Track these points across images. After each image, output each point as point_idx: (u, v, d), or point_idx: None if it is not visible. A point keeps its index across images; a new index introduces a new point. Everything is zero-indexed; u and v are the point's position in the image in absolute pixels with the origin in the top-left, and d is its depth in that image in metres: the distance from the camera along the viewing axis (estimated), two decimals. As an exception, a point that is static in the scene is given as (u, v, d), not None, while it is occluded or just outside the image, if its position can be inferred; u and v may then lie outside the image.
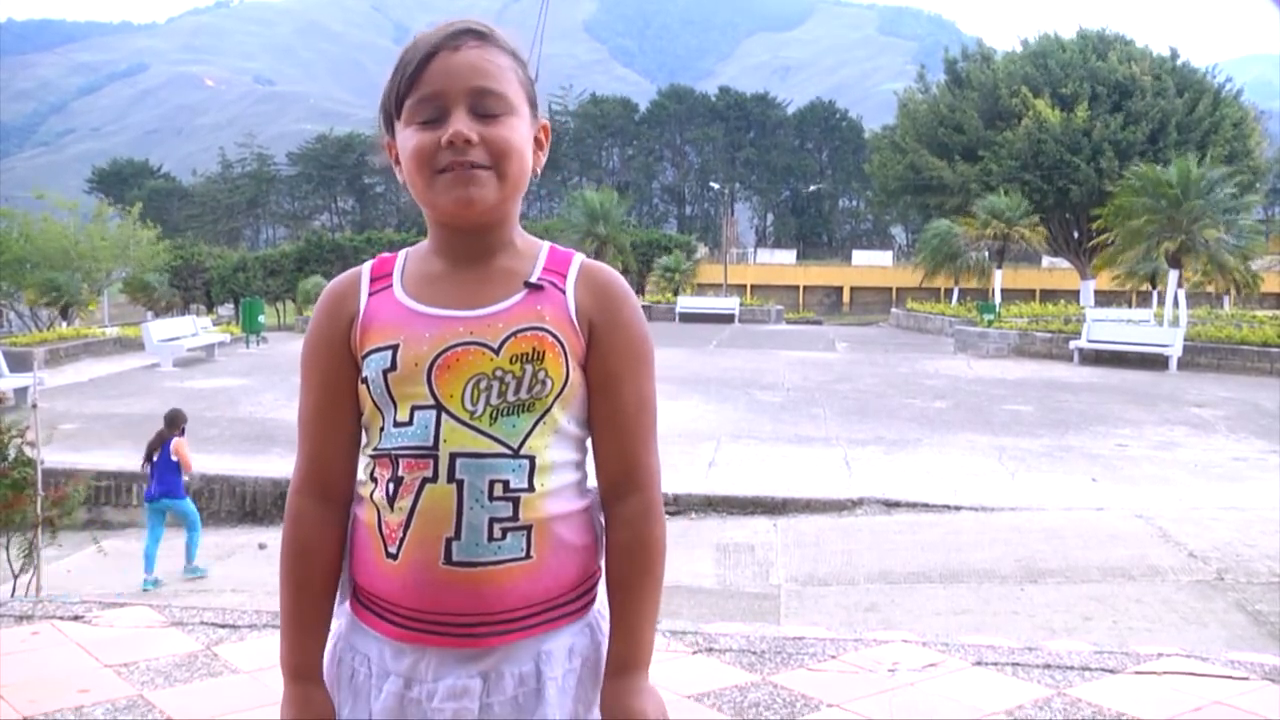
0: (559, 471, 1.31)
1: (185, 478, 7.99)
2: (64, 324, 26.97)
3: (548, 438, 1.29)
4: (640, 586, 1.35)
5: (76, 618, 4.18)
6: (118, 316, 35.69)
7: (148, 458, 7.94)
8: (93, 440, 10.74)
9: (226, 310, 39.49)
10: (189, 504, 7.95)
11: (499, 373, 1.27)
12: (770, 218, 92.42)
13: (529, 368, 1.27)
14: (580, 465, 1.36)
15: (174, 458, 7.82)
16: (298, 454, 1.39)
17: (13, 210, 34.97)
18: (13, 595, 5.56)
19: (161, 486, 7.81)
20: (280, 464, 9.39)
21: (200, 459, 9.82)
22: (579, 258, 1.37)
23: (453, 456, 1.26)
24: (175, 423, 8.01)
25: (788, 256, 65.47)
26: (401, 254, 1.40)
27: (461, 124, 1.27)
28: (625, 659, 1.33)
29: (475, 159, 1.28)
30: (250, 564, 7.92)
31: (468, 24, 1.32)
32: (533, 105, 1.36)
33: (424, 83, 1.29)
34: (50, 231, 31.84)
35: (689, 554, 7.07)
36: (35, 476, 5.82)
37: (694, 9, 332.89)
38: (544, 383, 1.28)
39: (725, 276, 45.68)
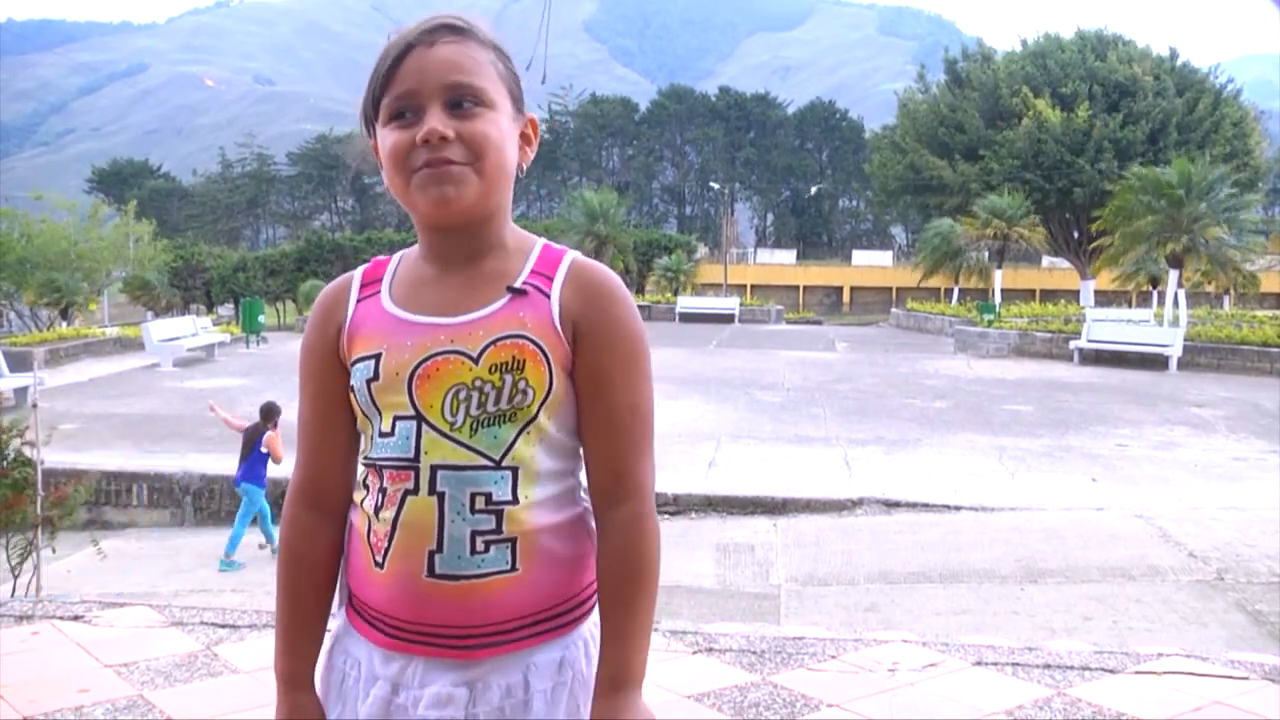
0: (546, 482, 1.27)
1: (272, 467, 8.39)
2: (64, 324, 26.96)
3: (534, 447, 1.26)
4: (631, 602, 1.29)
5: (76, 618, 4.18)
6: (118, 316, 35.70)
7: (245, 448, 8.32)
8: (93, 440, 10.74)
9: (226, 310, 39.47)
10: (262, 494, 8.30)
11: (478, 382, 1.23)
12: (770, 218, 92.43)
13: (509, 378, 1.23)
14: (572, 473, 1.32)
15: (264, 450, 8.20)
16: (295, 462, 1.39)
17: (13, 210, 34.98)
18: (13, 595, 5.56)
19: (250, 474, 8.23)
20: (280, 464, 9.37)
21: (200, 459, 9.85)
22: (570, 256, 1.32)
23: (433, 469, 1.24)
24: (269, 415, 8.41)
25: (788, 256, 65.46)
26: (395, 258, 1.37)
27: (436, 120, 1.23)
28: (615, 677, 1.28)
29: (452, 156, 1.24)
30: (250, 564, 7.92)
31: (444, 19, 1.28)
32: (516, 99, 1.32)
33: (399, 80, 1.26)
34: (50, 232, 31.87)
35: (689, 554, 7.07)
36: (35, 476, 5.82)
37: (694, 9, 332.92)
38: (525, 393, 1.24)
39: (725, 276, 45.68)
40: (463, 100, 1.26)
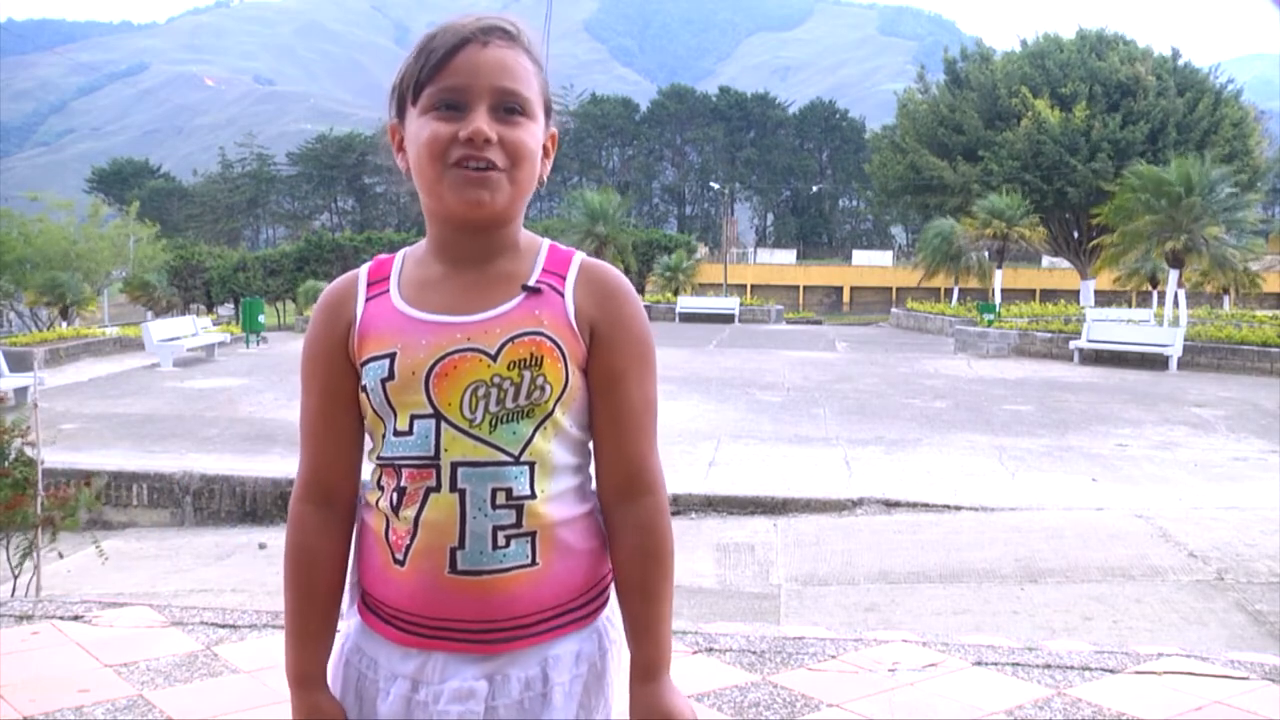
0: (562, 476, 1.30)
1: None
2: (64, 324, 26.96)
3: (550, 442, 1.28)
4: (660, 589, 1.35)
5: (76, 618, 4.18)
6: (118, 316, 35.73)
7: None
8: (93, 440, 10.74)
9: (226, 310, 39.45)
10: None
11: (497, 379, 1.25)
12: (770, 218, 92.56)
13: (527, 374, 1.25)
14: (583, 468, 1.34)
15: None
16: (300, 460, 1.38)
17: (12, 210, 35.00)
18: (13, 595, 5.56)
19: None
20: (280, 464, 9.38)
21: (200, 459, 9.85)
22: (579, 257, 1.35)
23: (454, 466, 1.25)
24: None
25: (788, 256, 65.56)
26: (399, 255, 1.38)
27: (482, 121, 1.25)
28: (654, 662, 1.33)
29: (491, 158, 1.25)
30: (250, 564, 7.91)
31: (498, 21, 1.29)
32: (548, 113, 1.34)
33: (449, 73, 1.26)
34: (48, 232, 31.90)
35: (689, 554, 7.06)
36: (36, 476, 5.81)
37: (694, 9, 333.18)
38: (543, 389, 1.26)
39: (725, 276, 45.71)
40: (509, 106, 1.27)
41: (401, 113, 1.33)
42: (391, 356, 1.27)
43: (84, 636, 3.97)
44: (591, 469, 1.37)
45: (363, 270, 1.38)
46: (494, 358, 1.25)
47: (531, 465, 1.26)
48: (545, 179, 1.38)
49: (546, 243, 1.37)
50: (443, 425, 1.25)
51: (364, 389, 1.30)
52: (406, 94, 1.31)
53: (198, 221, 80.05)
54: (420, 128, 1.27)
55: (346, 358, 1.33)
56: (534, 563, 1.27)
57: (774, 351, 21.49)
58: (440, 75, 1.27)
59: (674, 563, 1.36)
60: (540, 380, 1.26)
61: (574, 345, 1.28)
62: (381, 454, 1.30)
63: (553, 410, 1.27)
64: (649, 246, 39.75)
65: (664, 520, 1.35)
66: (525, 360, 1.25)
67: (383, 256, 1.39)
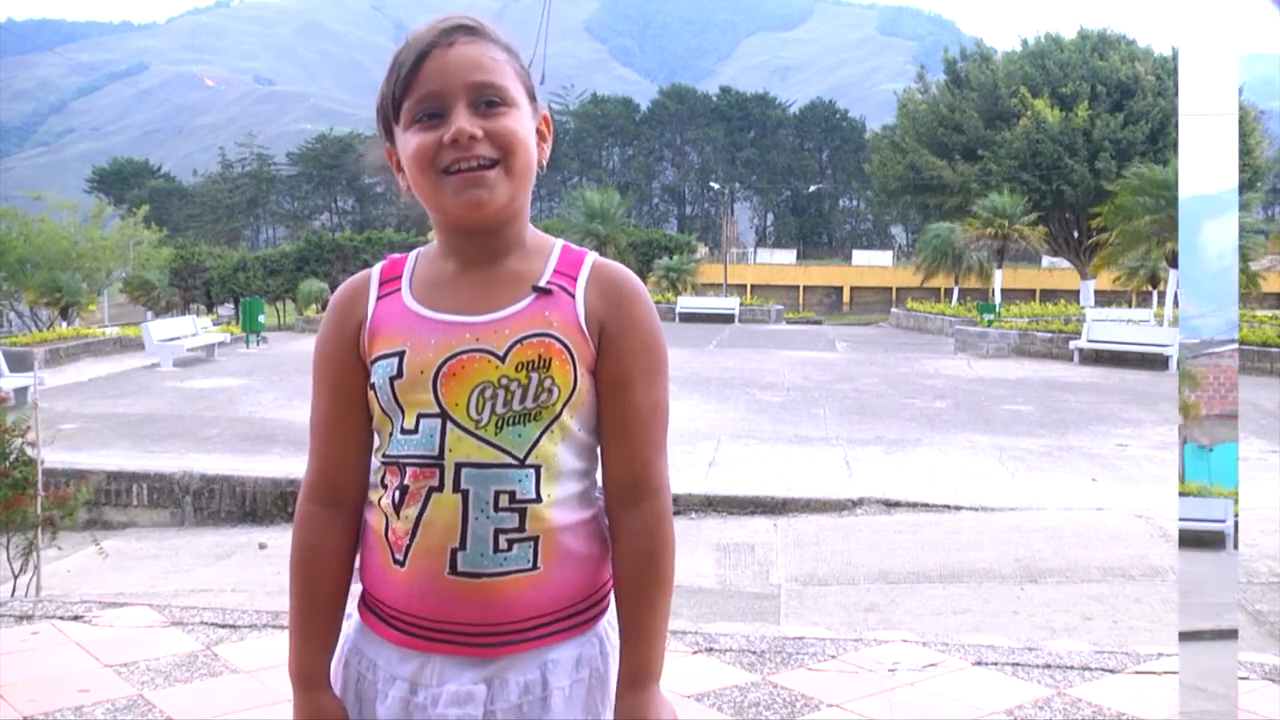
0: (567, 480, 1.28)
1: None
2: (64, 324, 26.96)
3: (557, 445, 1.27)
4: (655, 596, 1.32)
5: (76, 618, 4.18)
6: (118, 316, 35.72)
7: None
8: (93, 440, 10.74)
9: (226, 310, 39.44)
10: None
11: (504, 381, 1.24)
12: (770, 218, 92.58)
13: (535, 376, 1.24)
14: (589, 473, 1.33)
15: None
16: (308, 459, 1.38)
17: (13, 210, 34.98)
18: (13, 595, 5.56)
19: None
20: (280, 464, 9.38)
21: (200, 459, 9.85)
22: (591, 258, 1.34)
23: (458, 466, 1.24)
24: None
25: (788, 256, 65.58)
26: (413, 255, 1.37)
27: (463, 120, 1.24)
28: (641, 671, 1.31)
29: (481, 154, 1.25)
30: (250, 564, 7.91)
31: (458, 20, 1.29)
32: (531, 96, 1.33)
33: (420, 82, 1.26)
34: (49, 232, 31.91)
35: (689, 554, 7.06)
36: (36, 476, 5.81)
37: (694, 9, 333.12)
38: (550, 391, 1.25)
39: (725, 276, 45.68)
40: (487, 99, 1.26)
41: (390, 134, 1.32)
42: (400, 355, 1.27)
43: (84, 636, 3.97)
44: (598, 473, 1.36)
45: (376, 269, 1.37)
46: (502, 359, 1.25)
47: (537, 468, 1.25)
48: (545, 164, 1.36)
49: (559, 243, 1.36)
50: (448, 425, 1.25)
51: (372, 386, 1.29)
52: (389, 114, 1.31)
53: (198, 221, 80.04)
54: (407, 142, 1.27)
55: (357, 356, 1.32)
56: (535, 567, 1.26)
57: (774, 351, 21.49)
58: (413, 87, 1.26)
59: (673, 570, 1.34)
60: (548, 383, 1.25)
61: (583, 347, 1.27)
62: (387, 452, 1.29)
63: (560, 413, 1.26)
64: (649, 247, 39.72)
65: (665, 526, 1.34)
66: (533, 362, 1.25)
67: (396, 255, 1.38)
